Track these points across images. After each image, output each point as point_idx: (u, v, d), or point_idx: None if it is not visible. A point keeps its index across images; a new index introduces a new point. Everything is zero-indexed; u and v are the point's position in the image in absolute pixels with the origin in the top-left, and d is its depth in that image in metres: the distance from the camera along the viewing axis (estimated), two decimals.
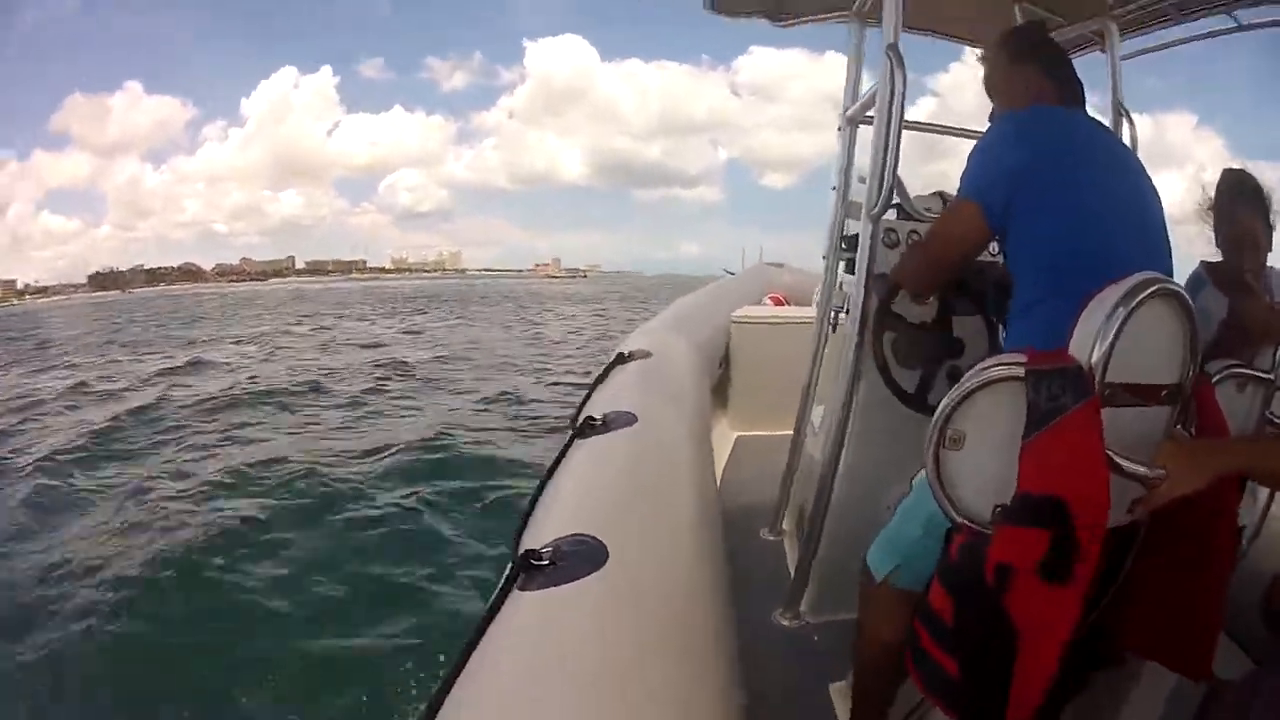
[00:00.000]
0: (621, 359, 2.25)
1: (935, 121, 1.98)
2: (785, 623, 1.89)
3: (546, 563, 0.92)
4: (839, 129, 1.90)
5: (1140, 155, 1.32)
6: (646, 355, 2.31)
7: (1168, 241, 1.12)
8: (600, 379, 2.05)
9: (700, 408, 2.19)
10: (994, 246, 1.50)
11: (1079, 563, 0.85)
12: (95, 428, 7.17)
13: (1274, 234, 1.50)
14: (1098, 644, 1.07)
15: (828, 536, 1.76)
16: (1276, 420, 1.41)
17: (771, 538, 2.42)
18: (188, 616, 3.43)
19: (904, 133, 1.53)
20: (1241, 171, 1.54)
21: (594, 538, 0.99)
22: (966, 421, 0.96)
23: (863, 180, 1.53)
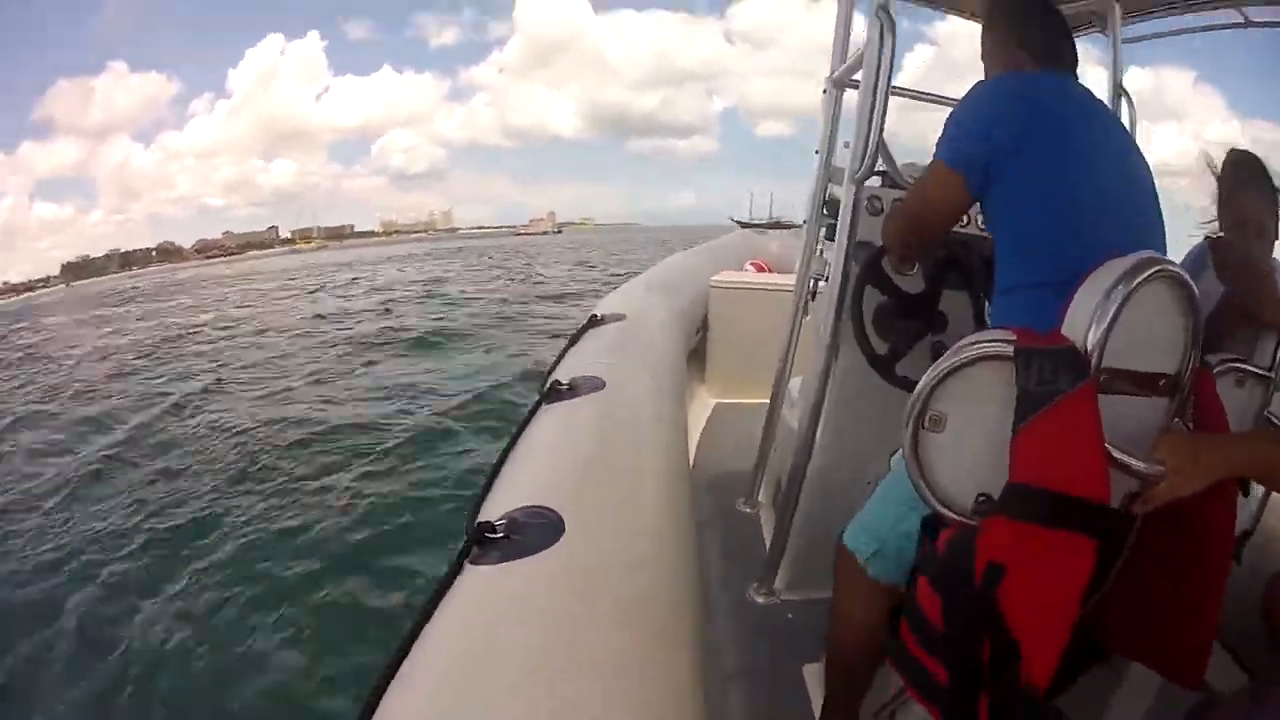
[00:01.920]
0: (595, 321, 2.18)
1: (924, 89, 1.87)
2: (759, 599, 1.81)
3: (500, 535, 0.90)
4: (824, 91, 1.81)
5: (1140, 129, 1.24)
6: (620, 318, 2.23)
7: (1162, 226, 1.04)
8: (572, 342, 1.98)
9: (675, 373, 2.12)
10: (982, 220, 1.42)
11: (1077, 562, 0.79)
12: None
13: (1279, 220, 1.40)
14: (1083, 645, 0.98)
15: (804, 510, 1.70)
16: (1275, 420, 1.34)
17: (748, 510, 2.31)
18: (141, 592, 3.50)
19: (895, 100, 1.47)
20: (1247, 153, 1.44)
21: (551, 510, 0.96)
22: (948, 402, 0.88)
23: (848, 146, 1.50)
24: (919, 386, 0.88)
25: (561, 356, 1.85)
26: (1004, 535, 0.81)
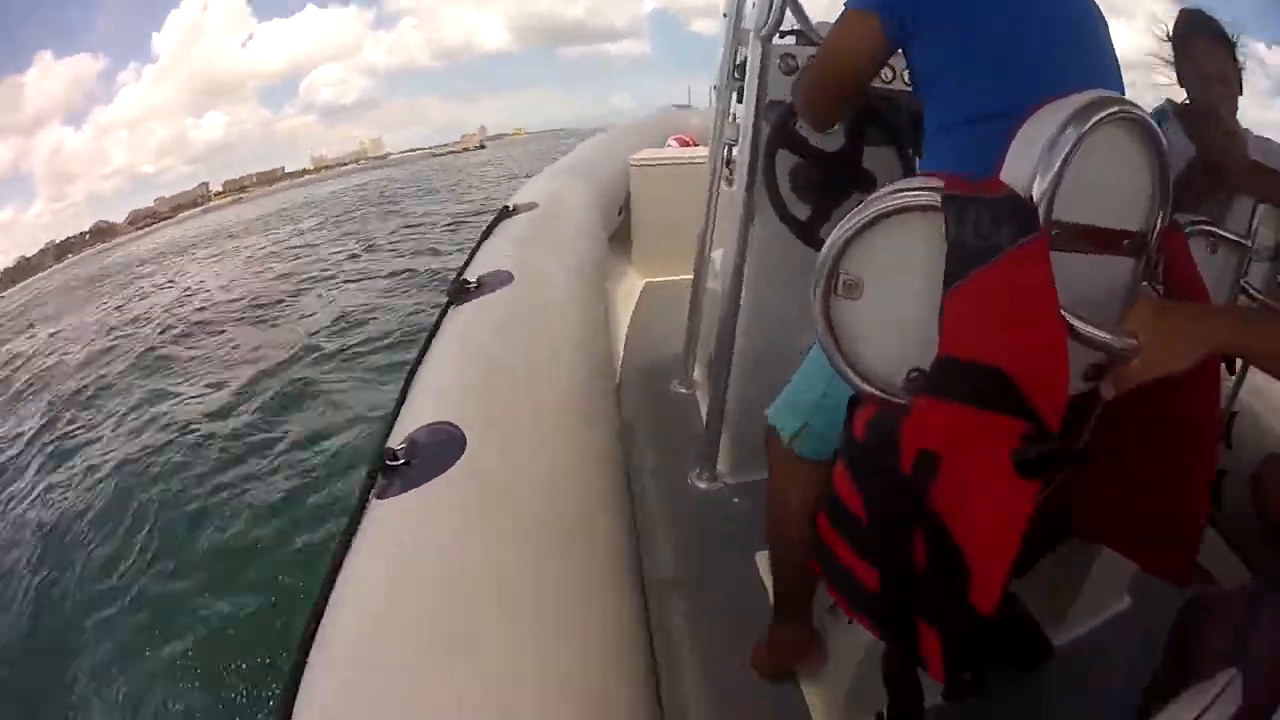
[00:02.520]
0: (506, 213, 2.12)
1: None
2: (702, 485, 1.70)
3: (401, 462, 0.86)
4: None
5: None
6: (533, 207, 2.18)
7: (1118, 67, 0.90)
8: (483, 237, 1.93)
9: (593, 258, 2.10)
10: (908, 75, 1.36)
11: (1031, 456, 0.65)
12: None
13: (1241, 78, 1.31)
14: (1049, 527, 0.89)
15: (737, 387, 1.60)
16: (1252, 290, 1.26)
17: (683, 391, 2.17)
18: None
19: None
20: (1196, 9, 1.35)
21: (453, 425, 0.92)
22: (865, 263, 0.75)
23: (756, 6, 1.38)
24: (825, 247, 0.76)
25: (472, 254, 1.78)
26: (936, 419, 0.69)
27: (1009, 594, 0.99)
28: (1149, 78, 1.37)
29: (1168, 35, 1.33)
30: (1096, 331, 0.68)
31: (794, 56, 1.42)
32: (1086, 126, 0.68)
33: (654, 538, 1.51)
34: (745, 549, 1.45)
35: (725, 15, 1.69)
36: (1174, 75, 1.33)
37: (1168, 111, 1.36)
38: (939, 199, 0.69)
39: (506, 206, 2.13)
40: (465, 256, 1.76)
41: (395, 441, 0.91)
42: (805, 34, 1.47)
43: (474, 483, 0.82)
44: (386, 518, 0.79)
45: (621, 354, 2.38)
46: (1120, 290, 0.81)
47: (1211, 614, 0.81)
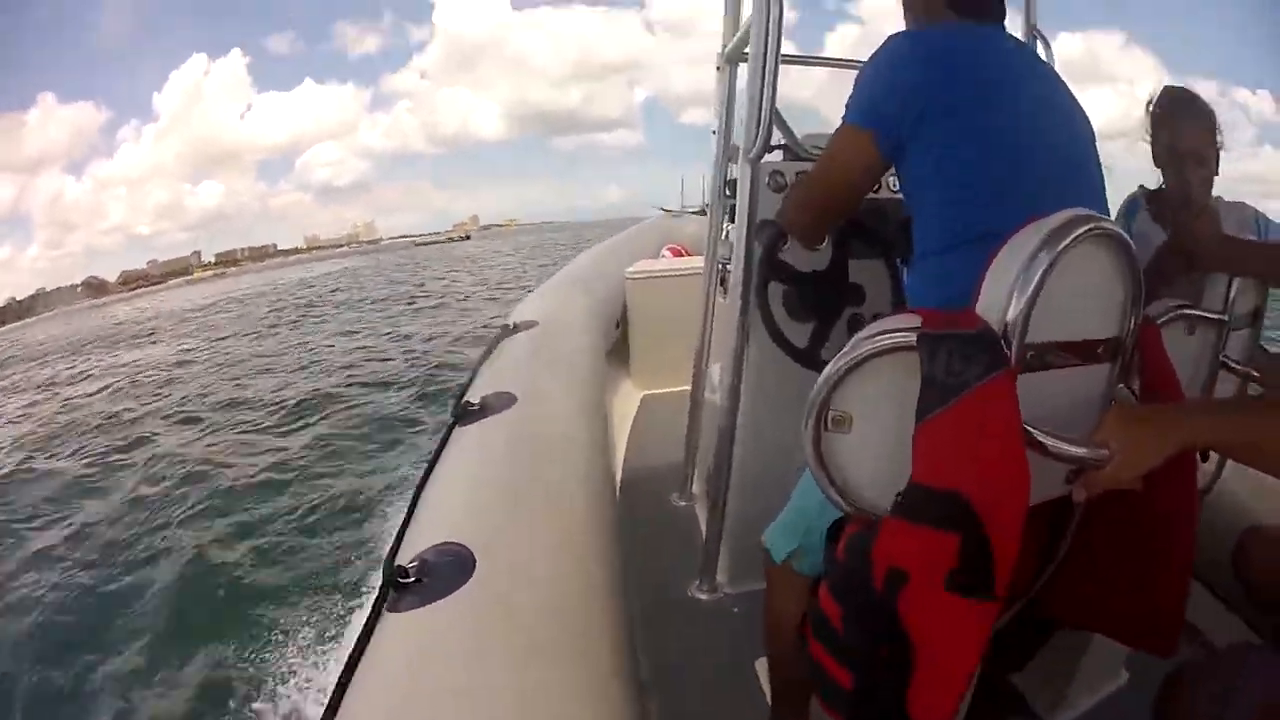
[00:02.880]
0: (508, 331, 2.19)
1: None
2: (702, 596, 1.74)
3: (413, 579, 0.89)
4: (717, 68, 1.73)
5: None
6: (533, 325, 2.25)
7: (1101, 180, 0.95)
8: (485, 356, 1.99)
9: (593, 376, 2.13)
10: (895, 183, 1.35)
11: (991, 573, 0.69)
12: None
13: (1219, 157, 1.36)
14: (1039, 620, 1.00)
15: (735, 500, 1.64)
16: (1231, 364, 1.28)
17: (682, 504, 2.21)
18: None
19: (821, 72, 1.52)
20: (1180, 87, 1.41)
21: (462, 545, 0.95)
22: (852, 400, 0.79)
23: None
24: (815, 387, 0.79)
25: (475, 373, 1.83)
26: (904, 539, 0.73)
27: (1002, 681, 1.07)
28: (1134, 146, 1.38)
29: (1147, 122, 1.36)
30: (1068, 448, 0.71)
31: (782, 173, 1.46)
32: (1059, 249, 0.71)
33: (656, 648, 1.53)
34: (745, 657, 1.47)
35: (714, 133, 1.74)
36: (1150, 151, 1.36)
37: (1139, 200, 1.42)
38: (914, 339, 0.73)
39: (507, 325, 2.21)
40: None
41: (405, 559, 0.93)
42: (791, 149, 1.53)
43: (484, 603, 0.84)
44: (399, 631, 0.81)
45: (621, 467, 2.40)
46: (1097, 398, 0.84)
47: (1196, 684, 0.82)
